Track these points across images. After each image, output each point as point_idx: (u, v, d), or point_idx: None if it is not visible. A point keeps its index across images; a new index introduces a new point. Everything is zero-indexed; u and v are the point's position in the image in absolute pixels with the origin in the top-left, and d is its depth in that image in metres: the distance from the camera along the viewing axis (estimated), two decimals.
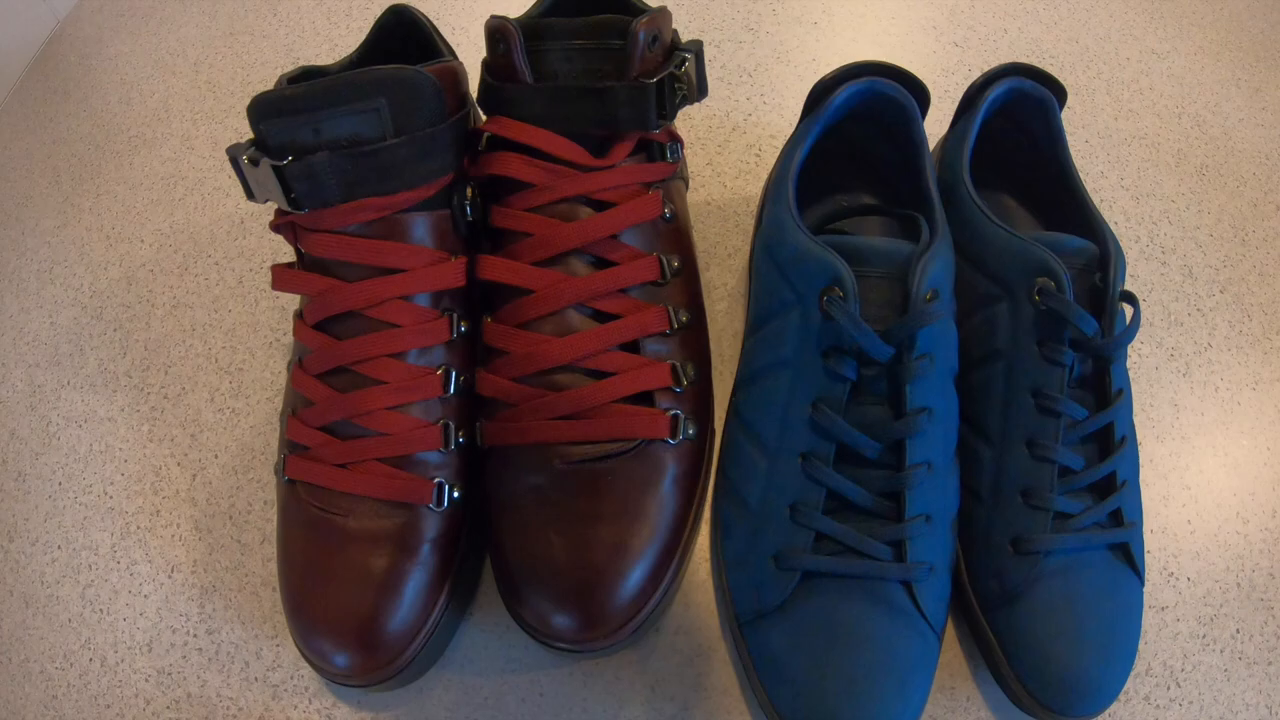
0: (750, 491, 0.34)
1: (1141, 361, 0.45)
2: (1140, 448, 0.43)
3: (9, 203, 0.55)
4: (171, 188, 0.53)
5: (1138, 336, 0.46)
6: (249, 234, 0.51)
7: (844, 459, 0.33)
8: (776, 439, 0.34)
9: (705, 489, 0.38)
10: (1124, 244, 0.49)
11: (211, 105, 0.57)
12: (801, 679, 0.32)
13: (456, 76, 0.35)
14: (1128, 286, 0.48)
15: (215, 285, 0.49)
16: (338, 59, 0.57)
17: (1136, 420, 0.43)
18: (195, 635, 0.39)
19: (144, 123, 0.57)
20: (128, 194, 0.53)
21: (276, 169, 0.32)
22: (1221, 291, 0.47)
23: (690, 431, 0.35)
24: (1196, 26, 0.58)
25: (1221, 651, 0.38)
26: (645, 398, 0.35)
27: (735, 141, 0.52)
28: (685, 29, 0.58)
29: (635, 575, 0.32)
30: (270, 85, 0.57)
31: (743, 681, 0.37)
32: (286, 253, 0.50)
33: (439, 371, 0.34)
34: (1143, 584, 0.35)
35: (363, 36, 0.59)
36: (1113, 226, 0.49)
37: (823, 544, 0.33)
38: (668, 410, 0.34)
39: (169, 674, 0.39)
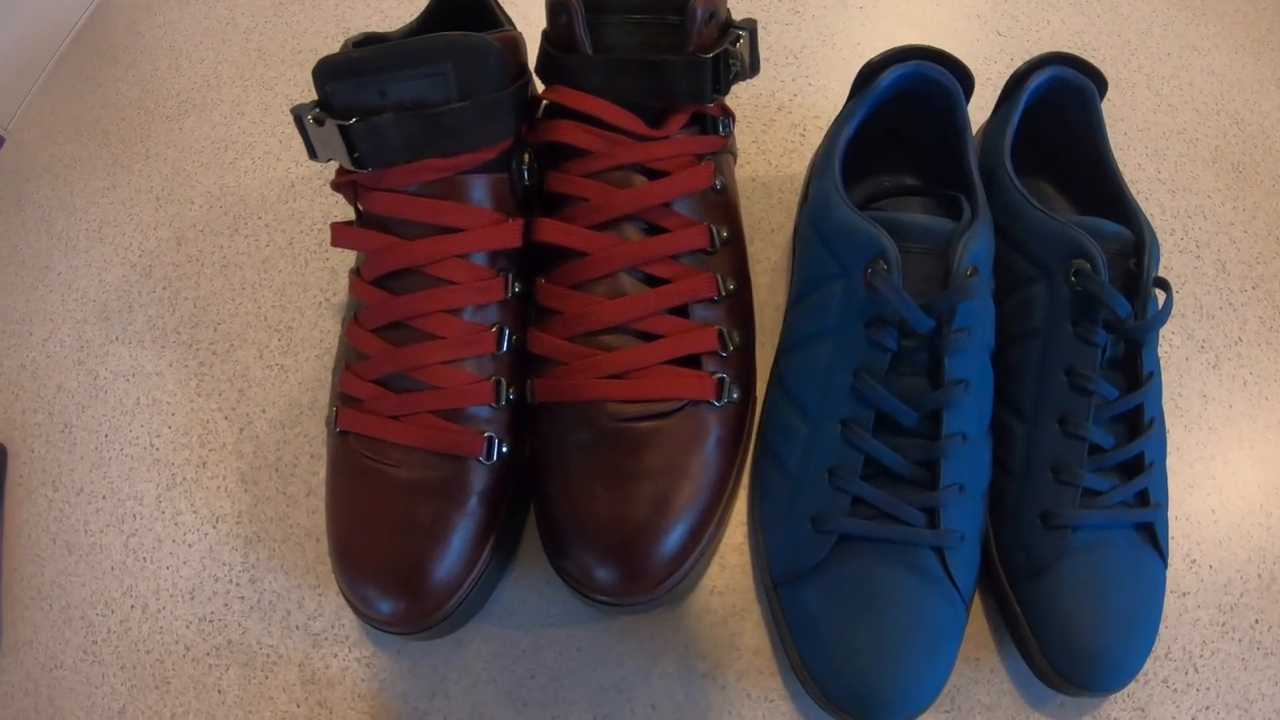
0: (790, 456, 0.35)
1: (1172, 352, 0.46)
2: (1169, 436, 0.43)
3: (57, 165, 0.56)
4: (222, 151, 0.54)
5: (1169, 327, 0.46)
6: (299, 197, 0.52)
7: (882, 427, 0.34)
8: (818, 406, 0.35)
9: (746, 454, 0.38)
10: (1159, 237, 0.49)
11: (262, 72, 0.58)
12: (834, 638, 0.33)
13: (517, 45, 0.36)
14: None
15: (265, 246, 0.50)
16: (388, 28, 0.58)
17: (1166, 409, 0.44)
18: (238, 584, 0.41)
19: (194, 88, 0.58)
20: (177, 157, 0.55)
21: (342, 128, 0.33)
22: (1254, 287, 0.48)
23: (734, 395, 0.36)
24: (1238, 25, 0.58)
25: (1240, 640, 0.38)
26: (692, 361, 0.36)
27: (780, 121, 0.53)
28: (733, 11, 0.58)
29: (677, 532, 0.33)
30: (320, 53, 0.58)
31: (774, 642, 0.38)
32: (337, 215, 0.51)
33: (493, 329, 0.35)
34: (1166, 565, 0.36)
35: (410, 6, 0.60)
36: (1148, 218, 0.50)
37: (859, 509, 0.34)
38: (714, 373, 0.35)
39: (210, 621, 0.40)
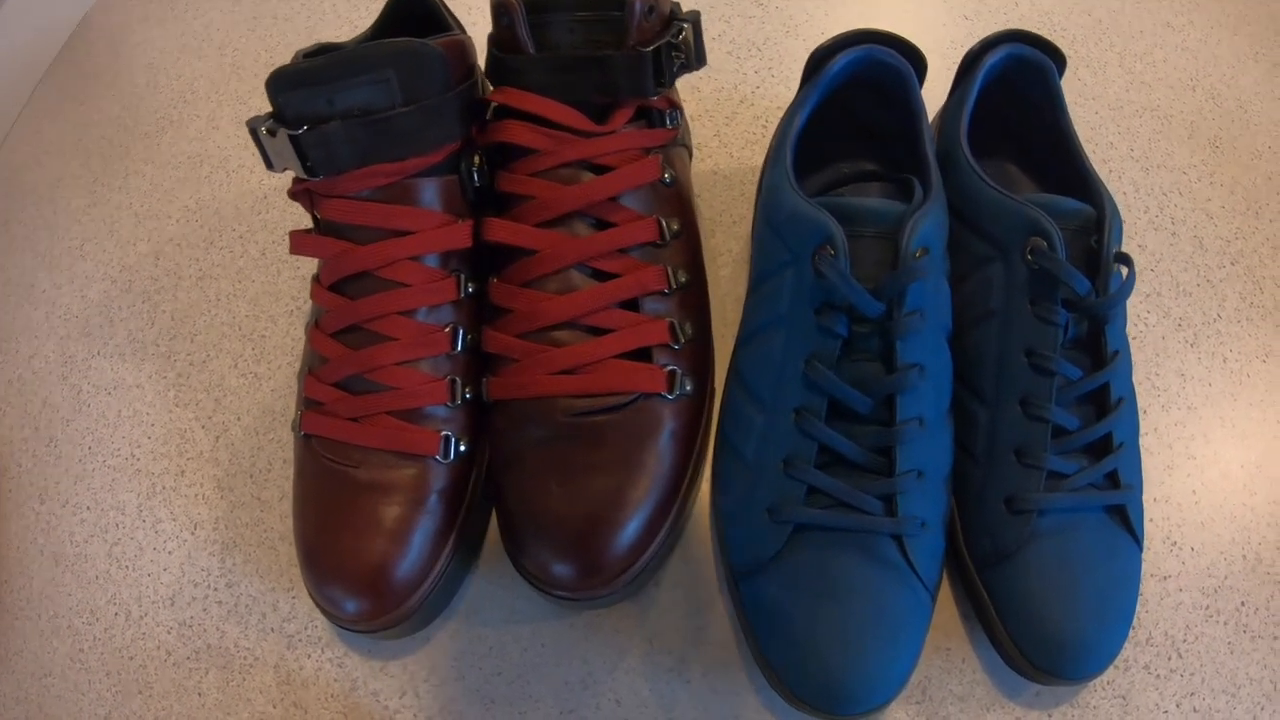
0: (746, 447, 0.35)
1: (1148, 331, 0.45)
2: (1145, 416, 0.43)
3: (41, 184, 0.57)
4: (198, 166, 0.55)
5: (1145, 305, 0.46)
6: (271, 208, 0.52)
7: (837, 415, 0.34)
8: (772, 395, 0.35)
9: (705, 445, 0.38)
10: (1132, 214, 0.49)
11: (236, 87, 0.58)
12: (793, 629, 0.32)
13: (463, 49, 0.37)
14: (1136, 255, 0.47)
15: (239, 257, 0.51)
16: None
17: (1142, 389, 0.43)
18: (215, 589, 0.41)
19: (171, 105, 0.59)
20: (155, 173, 0.55)
21: (293, 138, 0.33)
22: (1233, 264, 0.47)
23: (688, 387, 0.36)
24: (1213, 0, 0.58)
25: (1225, 624, 0.38)
26: (644, 354, 0.36)
27: (743, 113, 0.53)
28: (696, 3, 0.58)
29: (632, 525, 0.33)
30: None
31: (739, 635, 0.38)
32: (306, 224, 0.51)
33: (447, 329, 0.36)
34: (1141, 549, 0.35)
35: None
36: (1121, 197, 0.49)
37: (815, 498, 0.33)
38: (665, 366, 0.35)
39: (189, 626, 0.40)
